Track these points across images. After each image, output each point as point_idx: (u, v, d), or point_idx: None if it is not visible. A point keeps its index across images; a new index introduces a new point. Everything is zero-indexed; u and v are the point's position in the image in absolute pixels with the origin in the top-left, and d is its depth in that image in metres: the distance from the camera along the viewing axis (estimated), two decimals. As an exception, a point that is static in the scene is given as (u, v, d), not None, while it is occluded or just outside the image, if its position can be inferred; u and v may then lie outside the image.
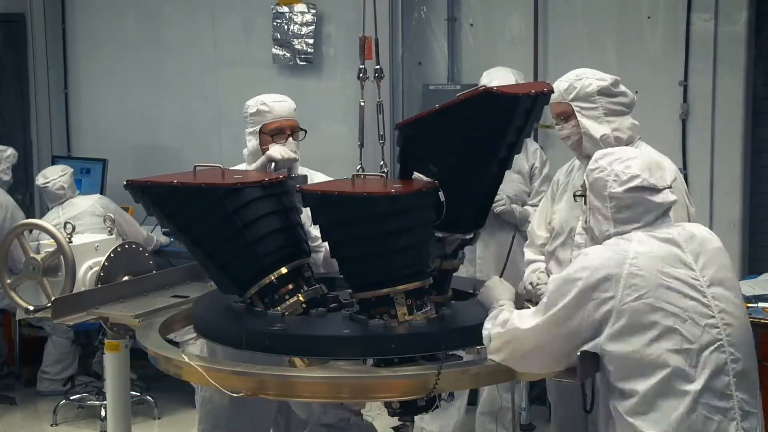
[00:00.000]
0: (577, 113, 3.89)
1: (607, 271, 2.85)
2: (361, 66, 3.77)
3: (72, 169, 6.60)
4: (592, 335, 2.88)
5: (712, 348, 2.85)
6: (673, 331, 2.82)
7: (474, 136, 3.15)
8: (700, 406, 2.81)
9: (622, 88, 3.95)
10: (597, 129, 3.88)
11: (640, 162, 3.00)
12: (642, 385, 2.83)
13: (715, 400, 2.84)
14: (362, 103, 3.86)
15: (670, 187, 3.01)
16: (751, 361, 2.96)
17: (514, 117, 3.17)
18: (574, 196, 3.31)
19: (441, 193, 3.16)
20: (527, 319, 2.96)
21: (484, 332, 3.05)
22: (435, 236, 3.22)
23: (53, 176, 6.46)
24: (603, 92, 3.90)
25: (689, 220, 3.71)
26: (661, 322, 2.82)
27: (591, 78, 3.91)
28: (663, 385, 2.81)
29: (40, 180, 6.50)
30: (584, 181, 3.11)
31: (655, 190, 2.96)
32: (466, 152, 3.18)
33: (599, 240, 3.03)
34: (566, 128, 3.94)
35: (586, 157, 3.93)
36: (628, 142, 3.89)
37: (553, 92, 3.34)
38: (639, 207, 2.96)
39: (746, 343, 2.96)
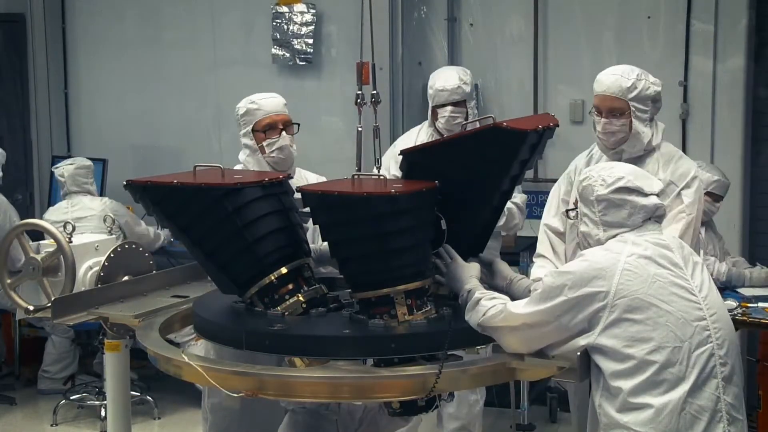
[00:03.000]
0: (632, 113, 3.94)
1: (603, 266, 2.89)
2: (358, 92, 3.74)
3: (85, 164, 6.43)
4: (584, 328, 2.89)
5: (702, 349, 2.87)
6: (664, 328, 2.84)
7: (478, 168, 3.19)
8: (689, 405, 2.82)
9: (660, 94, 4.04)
10: (645, 132, 3.95)
11: (626, 168, 3.10)
12: (632, 382, 2.83)
13: (704, 401, 2.85)
14: (360, 128, 3.84)
15: (657, 195, 3.06)
16: (738, 368, 2.97)
17: (520, 151, 3.19)
18: (567, 211, 3.34)
19: (443, 222, 3.18)
20: (521, 308, 2.97)
21: (470, 322, 3.06)
22: (432, 262, 3.24)
23: (62, 164, 6.39)
24: (655, 98, 3.99)
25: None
26: (653, 318, 2.84)
27: (649, 81, 3.98)
28: (652, 382, 2.82)
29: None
30: (575, 196, 3.19)
31: (641, 193, 3.03)
32: (469, 183, 3.20)
33: (592, 247, 3.07)
34: (616, 124, 3.97)
35: (616, 153, 3.98)
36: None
37: (558, 126, 3.36)
38: (625, 208, 3.01)
39: (735, 351, 2.98)
